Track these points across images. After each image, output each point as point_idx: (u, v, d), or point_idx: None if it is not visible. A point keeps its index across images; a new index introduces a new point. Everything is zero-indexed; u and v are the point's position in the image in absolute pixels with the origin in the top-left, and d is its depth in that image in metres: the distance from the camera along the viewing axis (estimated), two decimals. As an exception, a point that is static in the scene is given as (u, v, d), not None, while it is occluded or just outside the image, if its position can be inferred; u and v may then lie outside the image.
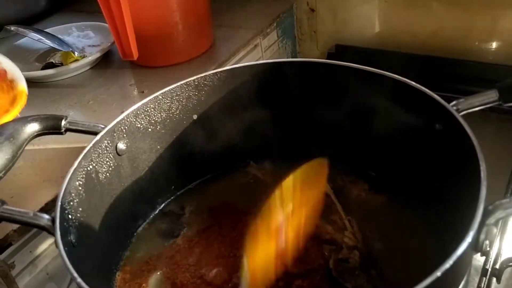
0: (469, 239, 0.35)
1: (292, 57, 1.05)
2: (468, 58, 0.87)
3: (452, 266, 0.34)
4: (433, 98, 0.49)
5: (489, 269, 0.57)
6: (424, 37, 0.91)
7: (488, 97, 0.48)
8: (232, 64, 0.86)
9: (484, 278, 0.57)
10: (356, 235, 0.54)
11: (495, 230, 0.38)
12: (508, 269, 0.56)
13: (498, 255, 0.59)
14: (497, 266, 0.57)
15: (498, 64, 0.85)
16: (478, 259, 0.59)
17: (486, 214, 0.37)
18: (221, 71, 0.61)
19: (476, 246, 0.38)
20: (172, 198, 0.63)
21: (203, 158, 0.64)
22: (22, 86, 0.64)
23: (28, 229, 0.57)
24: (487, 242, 0.38)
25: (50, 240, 0.61)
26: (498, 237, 0.60)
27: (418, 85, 0.51)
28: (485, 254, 0.56)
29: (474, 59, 0.87)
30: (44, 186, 0.62)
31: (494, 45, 0.87)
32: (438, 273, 0.33)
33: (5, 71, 0.66)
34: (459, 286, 0.39)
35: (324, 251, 0.53)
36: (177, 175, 0.63)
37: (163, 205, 0.63)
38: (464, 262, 0.37)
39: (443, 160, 0.50)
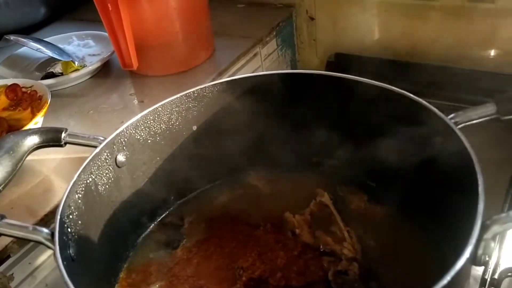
0: (467, 254, 0.35)
1: (291, 66, 1.05)
2: (466, 67, 0.87)
3: (450, 282, 0.34)
4: (432, 111, 0.49)
5: (488, 279, 0.57)
6: (423, 45, 0.91)
7: (486, 110, 0.48)
8: (232, 73, 0.87)
9: (483, 288, 0.57)
10: (355, 247, 0.54)
11: (492, 244, 0.38)
12: (507, 279, 0.56)
13: (496, 265, 0.59)
14: (496, 276, 0.57)
15: (497, 72, 0.85)
16: (477, 269, 0.59)
17: (484, 229, 0.37)
18: (220, 83, 0.62)
19: (474, 261, 0.38)
20: (171, 209, 0.64)
21: (202, 168, 0.64)
22: (46, 98, 0.72)
23: (27, 241, 0.57)
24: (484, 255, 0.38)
25: (49, 252, 0.60)
26: (497, 247, 0.60)
27: (417, 98, 0.52)
28: (484, 264, 0.56)
29: (473, 67, 0.87)
30: (43, 197, 0.62)
31: (492, 53, 0.87)
32: (436, 289, 0.33)
33: (35, 92, 0.75)
34: (458, 300, 0.39)
35: (323, 263, 0.53)
36: (176, 186, 0.63)
37: (162, 216, 0.63)
38: (462, 276, 0.37)
39: (442, 172, 0.50)
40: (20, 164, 0.50)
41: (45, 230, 0.44)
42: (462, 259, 0.35)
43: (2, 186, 0.48)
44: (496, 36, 0.84)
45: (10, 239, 0.56)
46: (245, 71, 0.90)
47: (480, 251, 0.38)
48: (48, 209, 0.60)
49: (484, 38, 0.85)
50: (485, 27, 0.84)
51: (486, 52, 0.87)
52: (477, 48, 0.87)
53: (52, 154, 0.68)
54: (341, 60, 1.00)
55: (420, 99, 0.51)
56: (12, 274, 0.57)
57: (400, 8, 0.91)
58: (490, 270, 0.58)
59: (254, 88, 0.62)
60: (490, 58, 0.87)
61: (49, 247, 0.43)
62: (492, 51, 0.87)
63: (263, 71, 0.93)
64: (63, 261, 0.40)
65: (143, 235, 0.60)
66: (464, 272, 0.37)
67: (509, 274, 0.56)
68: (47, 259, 0.61)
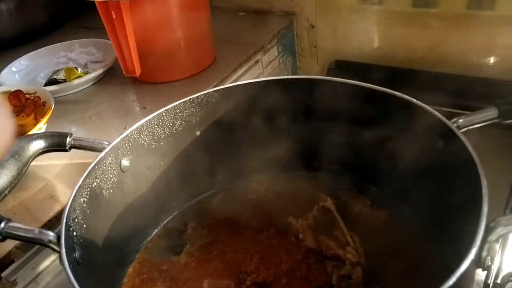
0: (471, 256, 0.36)
1: (292, 73, 1.06)
2: (466, 73, 0.88)
3: (455, 283, 0.34)
4: (435, 116, 0.50)
5: (491, 284, 0.57)
6: (422, 52, 0.92)
7: (488, 115, 0.48)
8: (234, 80, 0.87)
9: (486, 293, 0.57)
10: (359, 251, 0.54)
11: (497, 246, 0.38)
12: (510, 284, 0.56)
13: (499, 270, 0.59)
14: (499, 281, 0.57)
15: (496, 79, 0.86)
16: (480, 274, 0.59)
17: (488, 231, 0.38)
18: (223, 88, 0.62)
19: (478, 263, 0.38)
20: (175, 214, 0.64)
21: (205, 173, 0.64)
22: (50, 104, 0.73)
23: (31, 246, 0.57)
24: (488, 257, 0.38)
25: (52, 257, 0.61)
26: (499, 252, 0.60)
27: (419, 103, 0.52)
28: (487, 269, 0.56)
29: (472, 74, 0.87)
30: (47, 202, 0.62)
31: (492, 60, 0.88)
32: (442, 290, 0.33)
33: (39, 98, 0.75)
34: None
35: (327, 267, 0.53)
36: (180, 191, 0.63)
37: (166, 221, 0.63)
38: (467, 278, 0.37)
39: (445, 176, 0.50)
40: (25, 168, 0.50)
41: (51, 233, 0.44)
42: (467, 261, 0.35)
43: (8, 190, 0.48)
44: (496, 43, 0.85)
45: (14, 244, 0.56)
46: (246, 78, 0.91)
47: (484, 253, 0.38)
48: (51, 214, 0.60)
49: (484, 45, 0.86)
50: (484, 34, 0.85)
51: (486, 59, 0.88)
52: (477, 55, 0.88)
53: (55, 160, 0.69)
54: (341, 67, 1.00)
55: (423, 104, 0.51)
56: (16, 279, 0.57)
57: (399, 16, 0.92)
58: (492, 274, 0.58)
59: (257, 94, 0.63)
60: (490, 65, 0.88)
61: (55, 250, 0.43)
62: (491, 58, 0.87)
63: (264, 78, 0.94)
64: (69, 264, 0.40)
65: (147, 240, 0.60)
66: (468, 274, 0.37)
67: (512, 278, 0.56)
68: (50, 265, 0.61)
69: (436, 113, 0.50)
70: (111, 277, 0.54)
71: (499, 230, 0.38)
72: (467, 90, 0.86)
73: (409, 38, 0.93)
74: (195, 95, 0.61)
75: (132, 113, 0.80)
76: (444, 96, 0.86)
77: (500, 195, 0.69)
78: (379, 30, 0.96)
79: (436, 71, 0.90)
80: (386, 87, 0.57)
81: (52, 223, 0.59)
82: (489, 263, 0.39)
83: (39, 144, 0.52)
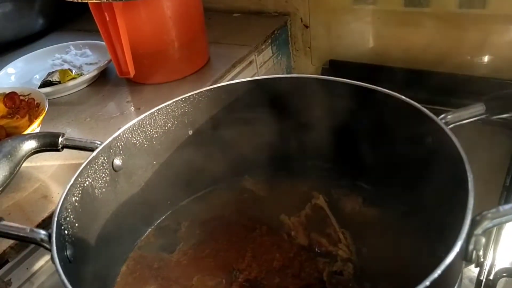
0: (457, 248, 0.36)
1: (287, 73, 1.06)
2: (459, 72, 0.88)
3: (440, 276, 0.34)
4: (423, 112, 0.50)
5: (484, 280, 0.58)
6: (416, 52, 0.92)
7: (476, 110, 0.49)
8: (228, 80, 0.88)
9: (479, 289, 0.57)
10: (350, 248, 0.55)
11: (483, 240, 0.39)
12: (502, 280, 0.57)
13: (492, 266, 0.59)
14: (491, 277, 0.57)
15: (489, 77, 0.87)
16: (473, 270, 0.60)
17: (474, 224, 0.38)
18: (215, 88, 0.62)
19: (465, 256, 0.38)
20: (168, 213, 0.64)
21: (199, 173, 0.64)
22: (43, 105, 0.73)
23: (25, 246, 0.58)
24: (480, 253, 0.39)
25: (46, 257, 0.61)
26: (492, 248, 0.60)
27: (408, 100, 0.52)
28: (479, 265, 0.56)
29: (466, 73, 0.88)
30: (41, 203, 0.62)
31: (484, 59, 0.88)
32: (427, 283, 0.34)
33: (33, 99, 0.75)
34: (450, 296, 0.40)
35: (318, 264, 0.54)
36: (173, 190, 0.63)
37: (159, 220, 0.63)
38: (453, 271, 0.38)
39: (435, 172, 0.51)
40: (18, 168, 0.51)
41: (43, 231, 0.44)
42: (452, 254, 0.36)
43: (0, 189, 0.48)
44: (487, 41, 0.85)
45: (8, 244, 0.56)
46: (241, 79, 0.91)
47: (471, 247, 0.38)
48: (45, 214, 0.60)
49: (476, 43, 0.87)
50: (476, 33, 0.85)
51: (478, 58, 0.88)
52: (469, 53, 0.88)
53: (49, 161, 0.69)
54: (335, 67, 1.01)
55: (411, 101, 0.52)
56: (10, 279, 0.58)
57: (393, 15, 0.92)
58: (485, 271, 0.58)
59: (249, 93, 0.63)
60: (482, 63, 0.88)
61: (46, 248, 0.43)
62: (484, 56, 0.88)
63: (255, 77, 0.94)
64: (60, 262, 0.41)
65: (140, 239, 0.61)
66: (455, 267, 0.37)
67: (504, 274, 0.57)
68: (45, 265, 0.61)
69: (425, 109, 0.50)
70: (104, 275, 0.55)
71: (485, 224, 0.38)
72: (460, 88, 0.87)
73: (403, 37, 0.93)
74: (187, 95, 0.61)
75: (126, 114, 0.81)
76: (437, 94, 0.86)
77: (493, 193, 0.70)
78: (372, 30, 0.96)
79: (430, 70, 0.90)
80: (379, 86, 0.57)
81: (46, 223, 0.59)
82: (482, 259, 0.39)
83: (31, 144, 0.53)
